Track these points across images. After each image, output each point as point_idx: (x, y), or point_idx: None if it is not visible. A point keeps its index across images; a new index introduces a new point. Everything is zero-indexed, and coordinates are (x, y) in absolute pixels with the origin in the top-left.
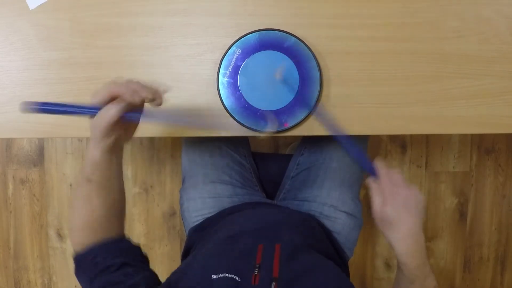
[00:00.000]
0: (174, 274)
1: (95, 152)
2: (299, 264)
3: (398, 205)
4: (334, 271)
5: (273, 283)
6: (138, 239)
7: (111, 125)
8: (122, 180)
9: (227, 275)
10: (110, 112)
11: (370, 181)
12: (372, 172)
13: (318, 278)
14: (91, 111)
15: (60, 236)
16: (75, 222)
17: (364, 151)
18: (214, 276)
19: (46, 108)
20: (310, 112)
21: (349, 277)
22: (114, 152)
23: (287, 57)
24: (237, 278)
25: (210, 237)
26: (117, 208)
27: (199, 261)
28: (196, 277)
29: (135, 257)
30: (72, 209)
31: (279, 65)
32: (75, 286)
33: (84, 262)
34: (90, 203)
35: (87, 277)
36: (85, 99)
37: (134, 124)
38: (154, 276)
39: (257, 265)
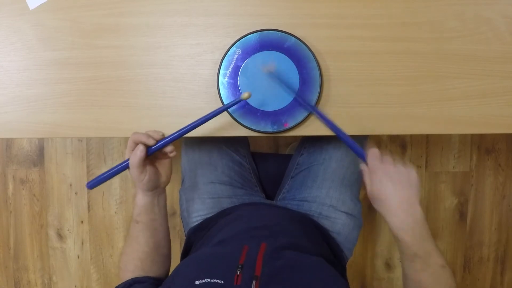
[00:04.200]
0: (164, 283)
1: (139, 195)
2: (283, 261)
3: (383, 179)
4: (319, 267)
5: (254, 281)
6: None
7: (140, 161)
8: (167, 226)
9: (209, 280)
10: (137, 151)
11: (362, 166)
12: (363, 157)
13: (301, 273)
14: (126, 163)
15: (60, 236)
16: (123, 259)
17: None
18: (197, 282)
19: (99, 180)
20: (310, 112)
21: (346, 277)
22: (155, 194)
23: (287, 58)
24: (219, 282)
25: (205, 241)
26: (160, 252)
27: (186, 268)
28: (181, 284)
29: (147, 279)
30: (123, 249)
31: (268, 63)
32: (75, 286)
33: None
34: (137, 242)
35: None
36: (85, 99)
37: (164, 165)
38: None
39: (240, 265)
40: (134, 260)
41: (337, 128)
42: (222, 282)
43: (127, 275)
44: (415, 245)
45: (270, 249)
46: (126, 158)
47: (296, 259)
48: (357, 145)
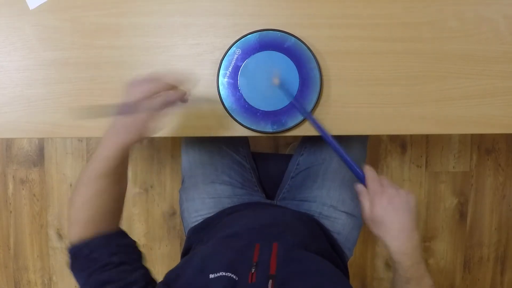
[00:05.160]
0: (171, 272)
1: (118, 146)
2: (296, 263)
3: (386, 204)
4: (331, 272)
5: (270, 281)
6: (138, 239)
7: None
8: (127, 174)
9: (224, 273)
10: (175, 94)
11: (358, 186)
12: (361, 178)
13: (315, 278)
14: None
15: (60, 236)
16: (78, 216)
17: (362, 152)
18: (211, 276)
19: (92, 113)
20: (304, 118)
21: (348, 277)
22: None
23: (287, 58)
24: (234, 277)
25: (209, 238)
26: (121, 202)
27: (197, 261)
28: (194, 276)
29: (131, 255)
30: (76, 204)
31: (273, 70)
32: (75, 286)
33: (81, 256)
34: (101, 198)
35: (84, 273)
36: (85, 99)
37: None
38: (149, 273)
39: (254, 263)
40: (95, 216)
41: (340, 148)
42: (237, 278)
43: (77, 230)
44: (413, 268)
45: (282, 249)
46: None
47: (309, 262)
48: (356, 165)
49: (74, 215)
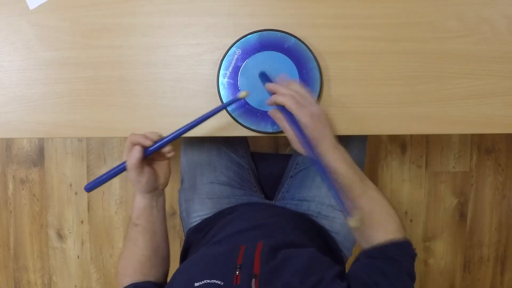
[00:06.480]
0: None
1: (137, 197)
2: (280, 257)
3: (314, 121)
4: (313, 255)
5: (253, 280)
6: None
7: (138, 162)
8: (166, 229)
9: (208, 281)
10: (133, 153)
11: (272, 112)
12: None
13: (299, 261)
14: (124, 165)
15: (60, 236)
16: (122, 263)
17: (361, 152)
18: (196, 284)
19: (97, 183)
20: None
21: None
22: (154, 196)
23: (287, 58)
24: (219, 282)
25: (204, 241)
26: (159, 255)
27: (184, 271)
28: (180, 286)
29: None
30: (122, 253)
31: (273, 70)
32: (75, 286)
33: None
34: (136, 245)
35: None
36: (85, 99)
37: (162, 166)
38: None
39: (238, 265)
40: (133, 264)
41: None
42: (222, 283)
43: (126, 280)
44: (350, 172)
45: (266, 247)
46: (124, 160)
47: (293, 253)
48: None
49: (120, 264)
